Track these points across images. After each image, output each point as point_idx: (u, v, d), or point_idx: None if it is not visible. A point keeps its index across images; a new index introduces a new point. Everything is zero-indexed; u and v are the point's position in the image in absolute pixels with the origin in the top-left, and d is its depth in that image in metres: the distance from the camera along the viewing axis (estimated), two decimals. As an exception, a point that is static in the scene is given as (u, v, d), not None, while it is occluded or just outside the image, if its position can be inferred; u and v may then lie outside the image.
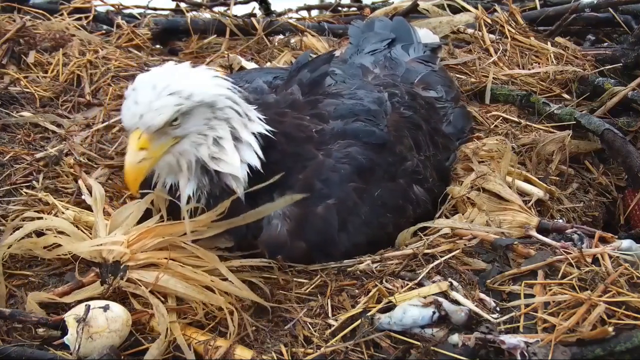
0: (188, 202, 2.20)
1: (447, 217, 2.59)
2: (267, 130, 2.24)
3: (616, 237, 2.37)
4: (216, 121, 2.16)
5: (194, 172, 2.17)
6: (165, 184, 2.24)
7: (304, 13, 5.49)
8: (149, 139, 2.05)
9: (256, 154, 2.20)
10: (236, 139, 2.19)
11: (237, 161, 2.17)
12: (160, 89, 2.06)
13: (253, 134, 2.22)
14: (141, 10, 5.11)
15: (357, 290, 2.11)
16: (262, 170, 2.20)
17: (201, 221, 2.14)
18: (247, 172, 2.19)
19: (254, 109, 2.28)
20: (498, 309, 2.00)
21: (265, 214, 2.14)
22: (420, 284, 2.08)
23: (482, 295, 2.04)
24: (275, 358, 1.87)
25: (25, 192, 2.56)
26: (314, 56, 3.05)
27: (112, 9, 4.93)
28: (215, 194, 2.19)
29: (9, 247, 2.15)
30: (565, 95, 3.72)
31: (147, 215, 2.27)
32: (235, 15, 4.87)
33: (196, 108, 2.10)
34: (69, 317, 1.86)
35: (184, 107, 2.07)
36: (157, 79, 2.09)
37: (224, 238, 2.21)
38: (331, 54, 2.93)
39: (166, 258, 2.05)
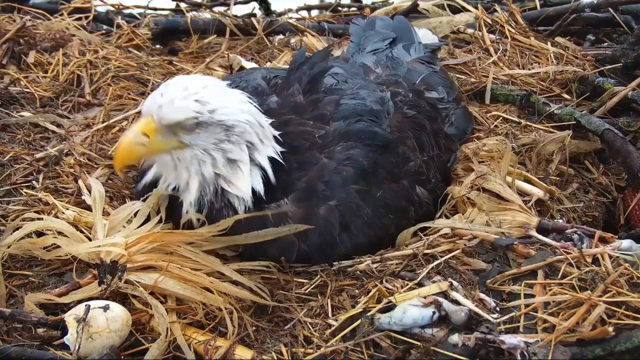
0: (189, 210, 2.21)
1: (447, 217, 2.58)
2: (278, 151, 2.27)
3: (616, 237, 2.37)
4: (229, 144, 2.17)
5: (198, 181, 2.18)
6: (169, 186, 2.24)
7: (304, 13, 5.48)
8: (156, 130, 2.09)
9: (263, 177, 2.22)
10: (252, 161, 2.21)
11: (248, 186, 2.19)
12: (190, 92, 2.11)
13: (269, 157, 2.24)
14: (141, 10, 5.10)
15: (357, 290, 2.11)
16: (272, 181, 2.23)
17: (201, 234, 2.14)
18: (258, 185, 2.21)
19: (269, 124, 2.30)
20: (498, 309, 2.00)
21: (268, 238, 2.14)
22: (420, 284, 2.08)
23: (482, 295, 2.03)
24: (275, 358, 1.87)
25: (25, 192, 2.55)
26: (311, 54, 3.04)
27: (112, 9, 4.93)
28: (217, 207, 2.20)
29: (8, 247, 2.15)
30: (565, 95, 3.72)
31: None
32: (235, 15, 4.87)
33: (213, 125, 2.13)
34: (69, 317, 1.86)
35: (203, 118, 2.10)
36: (192, 83, 2.15)
37: (231, 249, 2.23)
38: (328, 50, 2.93)
39: (165, 261, 2.05)
